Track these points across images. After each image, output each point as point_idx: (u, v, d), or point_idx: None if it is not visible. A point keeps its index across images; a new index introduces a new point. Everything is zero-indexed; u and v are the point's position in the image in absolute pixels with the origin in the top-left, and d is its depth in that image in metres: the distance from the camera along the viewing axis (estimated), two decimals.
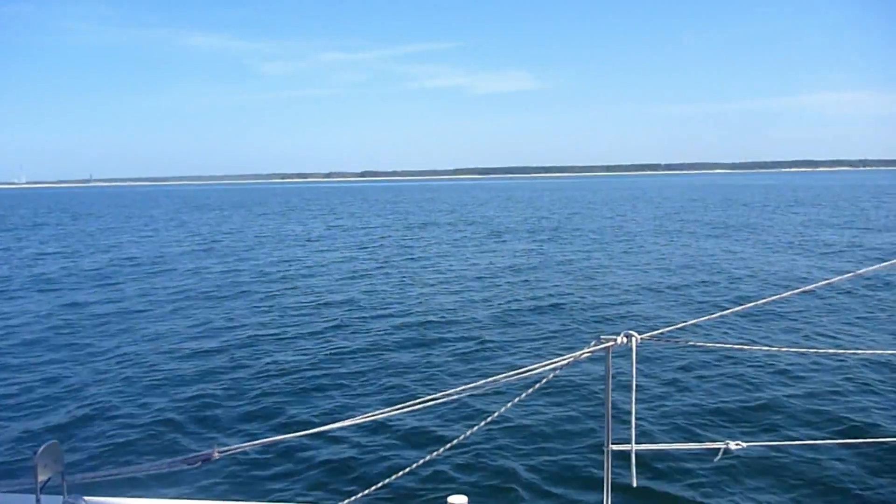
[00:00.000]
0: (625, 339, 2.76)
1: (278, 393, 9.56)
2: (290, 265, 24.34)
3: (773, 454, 6.94)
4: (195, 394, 9.58)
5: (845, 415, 8.07)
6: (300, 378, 10.25)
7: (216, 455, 2.61)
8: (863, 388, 9.02)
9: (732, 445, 3.93)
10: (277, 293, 18.25)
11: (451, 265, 23.55)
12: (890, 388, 8.96)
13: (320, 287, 19.16)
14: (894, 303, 14.77)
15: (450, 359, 11.25)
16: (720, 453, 3.51)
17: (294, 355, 11.63)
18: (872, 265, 3.50)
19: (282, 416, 8.63)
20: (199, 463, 2.60)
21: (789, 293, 3.88)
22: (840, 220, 39.45)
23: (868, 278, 16.79)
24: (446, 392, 2.88)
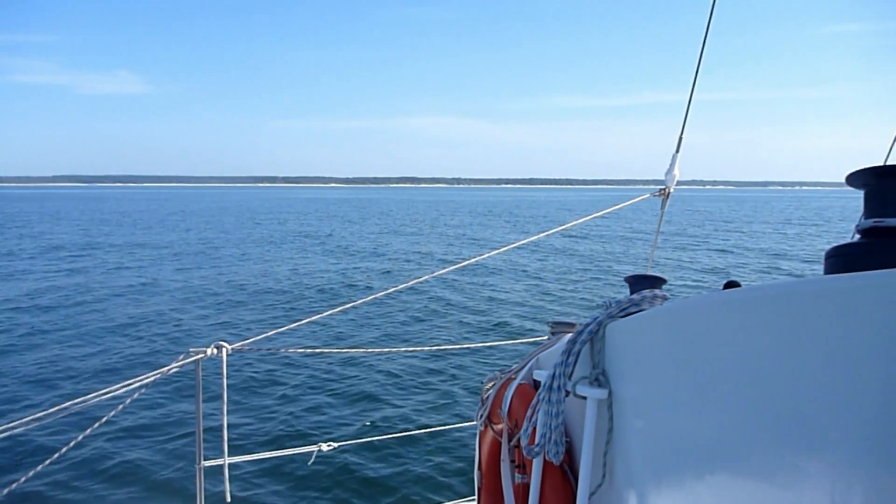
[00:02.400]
0: (215, 351, 2.68)
1: None
2: None
3: (364, 451, 7.47)
4: None
5: (426, 404, 9.11)
6: None
7: None
8: (437, 379, 10.30)
9: (325, 447, 4.11)
10: None
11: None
12: (447, 379, 10.39)
13: None
14: (448, 304, 17.24)
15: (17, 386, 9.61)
16: (314, 456, 3.63)
17: None
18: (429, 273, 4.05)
19: None
20: None
21: (371, 297, 4.22)
22: (411, 230, 44.69)
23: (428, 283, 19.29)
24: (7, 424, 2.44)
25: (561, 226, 4.16)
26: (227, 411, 2.89)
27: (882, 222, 1.26)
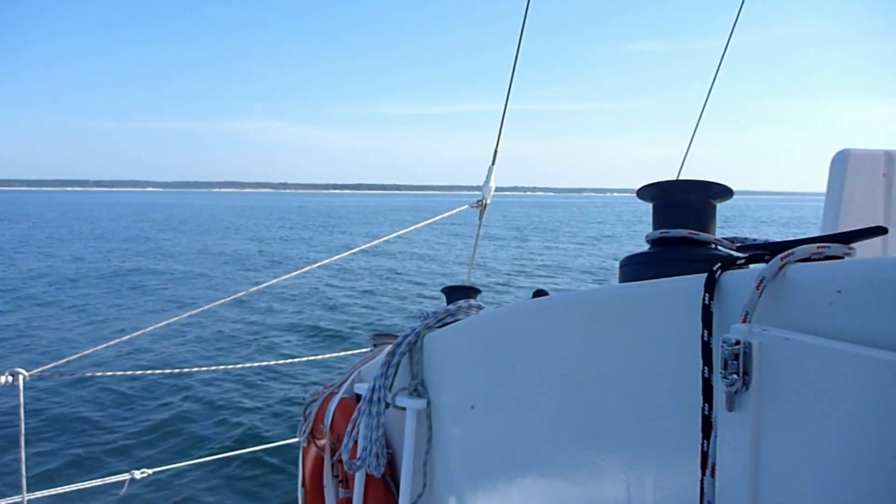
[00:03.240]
0: (9, 379, 2.46)
1: None
2: None
3: (182, 475, 7.05)
4: None
5: (238, 425, 8.76)
6: None
7: None
8: (260, 396, 9.94)
9: (138, 475, 3.83)
10: None
11: None
12: (268, 395, 10.05)
13: None
14: (258, 322, 16.82)
15: None
16: (126, 485, 3.39)
17: None
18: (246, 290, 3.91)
19: None
20: None
21: (187, 313, 4.00)
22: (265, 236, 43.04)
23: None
24: None
25: (383, 237, 4.19)
26: (26, 443, 2.65)
27: (668, 233, 1.38)
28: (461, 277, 21.26)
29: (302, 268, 3.69)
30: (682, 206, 1.40)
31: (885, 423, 0.74)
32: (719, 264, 1.03)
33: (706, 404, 0.98)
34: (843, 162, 1.85)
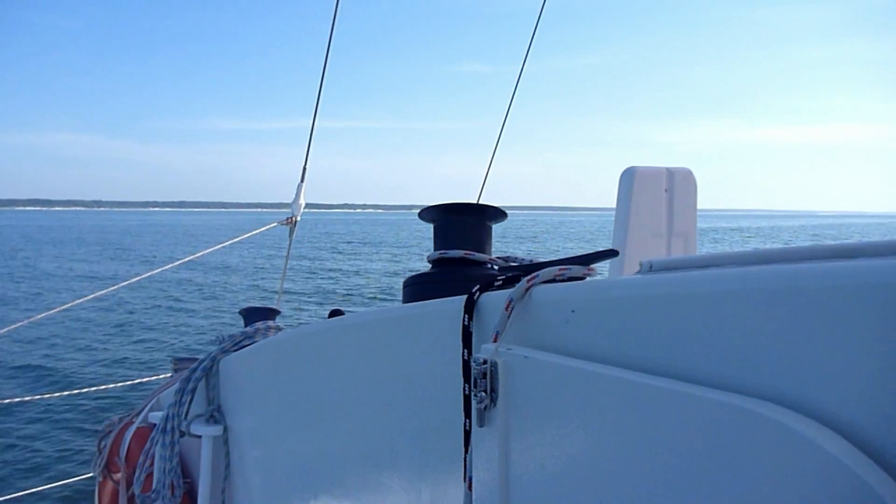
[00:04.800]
0: None
1: None
2: None
3: None
4: None
5: (39, 459, 7.94)
6: None
7: None
8: (53, 430, 9.02)
9: None
10: None
11: None
12: (60, 429, 9.16)
13: None
14: None
15: None
16: None
17: None
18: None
19: None
20: None
21: None
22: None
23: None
24: None
25: (192, 255, 4.01)
26: None
27: (447, 253, 1.45)
28: (274, 298, 20.55)
29: (98, 291, 3.41)
30: (460, 227, 1.46)
31: (612, 435, 0.79)
32: (478, 286, 1.07)
33: (467, 420, 1.02)
34: (630, 179, 1.97)
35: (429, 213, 1.52)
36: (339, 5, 3.50)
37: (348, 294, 24.67)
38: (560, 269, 1.00)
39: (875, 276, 0.61)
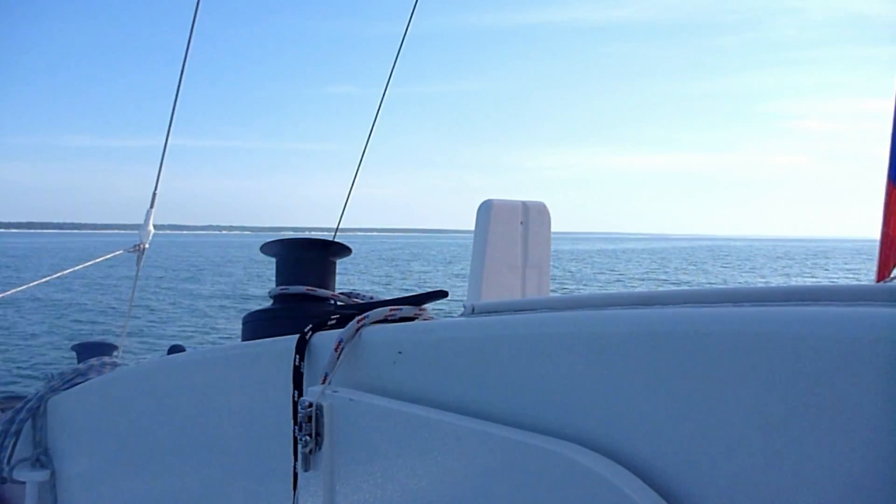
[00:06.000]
0: None
1: None
2: None
3: None
4: None
5: None
6: None
7: None
8: None
9: None
10: None
11: None
12: None
13: None
14: None
15: None
16: None
17: None
18: None
19: None
20: None
21: None
22: None
23: None
24: None
25: (25, 284, 3.71)
26: None
27: (288, 289, 1.44)
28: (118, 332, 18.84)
29: None
30: (303, 263, 1.44)
31: (430, 476, 0.79)
32: (311, 326, 1.05)
33: (295, 463, 1.00)
34: (487, 212, 2.00)
35: (271, 248, 1.49)
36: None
37: (194, 331, 23.06)
38: (391, 310, 1.00)
39: (667, 325, 0.64)
